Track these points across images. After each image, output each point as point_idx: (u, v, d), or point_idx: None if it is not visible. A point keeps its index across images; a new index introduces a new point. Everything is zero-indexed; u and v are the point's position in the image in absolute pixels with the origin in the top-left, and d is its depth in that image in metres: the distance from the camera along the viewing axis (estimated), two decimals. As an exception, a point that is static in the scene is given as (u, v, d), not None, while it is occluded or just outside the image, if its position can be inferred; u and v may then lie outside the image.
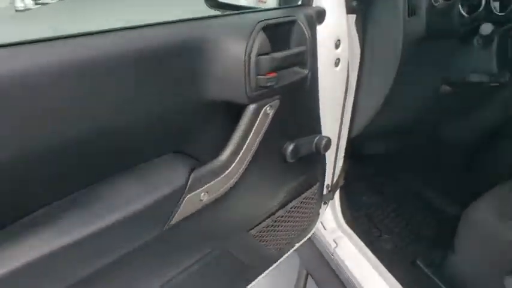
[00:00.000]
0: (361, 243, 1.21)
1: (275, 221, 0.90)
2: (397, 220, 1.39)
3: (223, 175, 0.64)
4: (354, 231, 1.24)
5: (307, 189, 0.99)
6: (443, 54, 1.07)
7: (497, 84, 1.03)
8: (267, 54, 0.62)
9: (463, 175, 1.49)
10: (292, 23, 0.69)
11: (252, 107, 0.63)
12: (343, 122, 1.02)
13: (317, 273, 1.33)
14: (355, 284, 1.17)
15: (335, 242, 1.26)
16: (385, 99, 1.09)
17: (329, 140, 0.86)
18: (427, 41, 0.99)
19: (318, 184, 1.02)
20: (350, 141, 1.13)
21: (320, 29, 0.76)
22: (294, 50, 0.68)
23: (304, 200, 0.99)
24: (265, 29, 0.62)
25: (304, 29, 0.69)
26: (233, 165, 0.64)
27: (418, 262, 1.18)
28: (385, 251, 1.25)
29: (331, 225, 1.27)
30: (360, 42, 0.95)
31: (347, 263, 1.22)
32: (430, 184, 1.50)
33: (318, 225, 1.21)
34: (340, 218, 1.25)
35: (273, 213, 0.88)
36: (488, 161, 1.47)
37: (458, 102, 1.30)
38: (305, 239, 1.11)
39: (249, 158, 0.67)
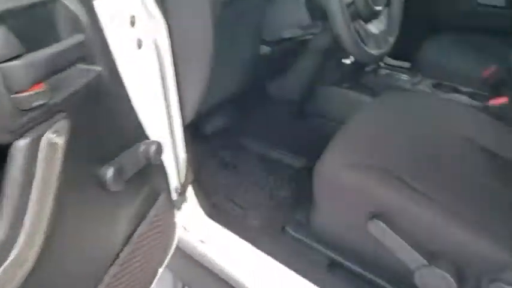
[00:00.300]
0: (228, 232, 1.11)
1: (123, 263, 0.70)
2: (257, 191, 1.34)
3: (7, 262, 0.40)
4: (218, 221, 1.14)
5: (152, 206, 0.81)
6: (255, 15, 0.99)
7: (312, 35, 1.01)
8: (19, 57, 0.39)
9: (301, 128, 1.53)
10: (52, 3, 0.46)
11: (21, 144, 0.40)
12: (171, 112, 0.85)
13: (193, 281, 1.19)
14: (233, 277, 1.08)
15: (202, 241, 1.13)
16: (210, 73, 0.97)
17: (159, 144, 0.69)
18: (235, 3, 0.88)
19: (163, 194, 0.85)
20: (187, 129, 0.98)
21: (100, 5, 0.55)
22: (67, 41, 0.46)
23: (153, 219, 0.81)
24: (3, 20, 0.39)
25: (74, 9, 0.47)
26: (21, 240, 0.41)
27: (287, 229, 1.15)
28: (254, 229, 1.19)
29: (194, 226, 1.13)
30: (162, 15, 0.78)
31: (219, 258, 1.12)
32: (277, 145, 1.49)
33: (180, 232, 1.05)
34: (200, 215, 1.12)
35: (117, 257, 0.68)
36: (315, 108, 1.53)
37: (280, 59, 1.27)
38: (168, 258, 0.94)
39: (47, 216, 0.44)
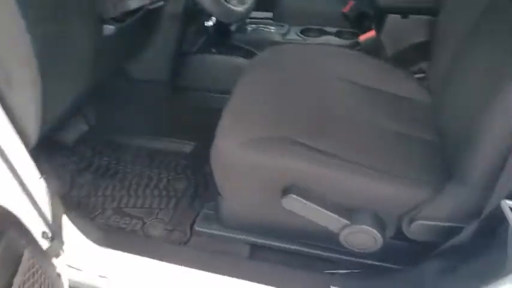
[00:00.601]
0: (128, 254, 0.93)
1: None
2: (150, 193, 1.17)
3: None
4: (114, 245, 0.95)
5: (14, 274, 0.59)
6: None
7: (163, 1, 0.84)
8: None
9: (178, 107, 1.36)
10: None
11: None
12: (3, 144, 0.62)
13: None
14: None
15: (102, 276, 0.94)
16: (41, 77, 0.73)
17: None
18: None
19: (27, 250, 0.63)
20: (38, 151, 0.75)
21: None
22: None
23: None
24: None
25: None
26: None
27: (196, 227, 1.02)
28: (158, 240, 1.03)
29: (87, 262, 0.93)
30: None
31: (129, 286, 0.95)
32: (157, 133, 1.31)
33: (73, 275, 0.85)
34: (89, 247, 0.92)
35: None
36: (187, 82, 1.38)
37: (132, 36, 1.07)
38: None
39: None
